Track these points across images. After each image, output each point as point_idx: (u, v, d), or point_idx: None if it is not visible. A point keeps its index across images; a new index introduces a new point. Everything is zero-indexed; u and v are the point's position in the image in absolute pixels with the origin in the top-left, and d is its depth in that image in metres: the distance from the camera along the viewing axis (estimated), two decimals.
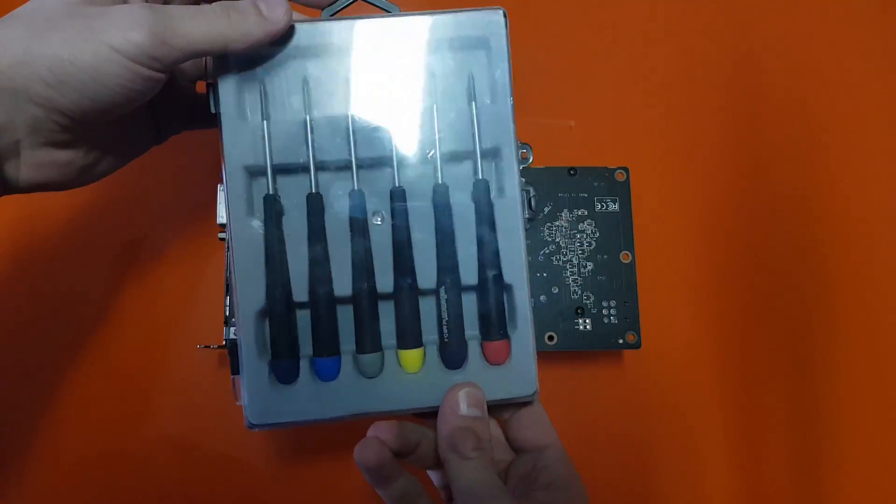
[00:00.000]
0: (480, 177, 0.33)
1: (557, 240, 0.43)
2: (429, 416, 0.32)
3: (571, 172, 0.44)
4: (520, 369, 0.33)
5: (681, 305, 0.49)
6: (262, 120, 0.32)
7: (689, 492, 0.47)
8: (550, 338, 0.42)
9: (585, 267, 0.43)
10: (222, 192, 0.42)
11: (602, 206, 0.44)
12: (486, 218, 0.33)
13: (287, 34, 0.32)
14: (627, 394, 0.48)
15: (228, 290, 0.40)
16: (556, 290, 0.42)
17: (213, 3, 0.29)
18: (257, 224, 0.32)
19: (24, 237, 0.45)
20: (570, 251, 0.43)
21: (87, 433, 0.44)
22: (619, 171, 0.44)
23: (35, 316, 0.45)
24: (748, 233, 0.51)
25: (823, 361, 0.49)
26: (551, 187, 0.44)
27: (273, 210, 0.32)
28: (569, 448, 0.47)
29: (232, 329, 0.40)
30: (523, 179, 0.34)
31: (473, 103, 0.33)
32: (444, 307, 0.33)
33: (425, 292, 0.33)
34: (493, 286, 0.33)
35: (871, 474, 0.48)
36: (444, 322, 0.33)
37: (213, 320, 0.43)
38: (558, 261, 0.43)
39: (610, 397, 0.47)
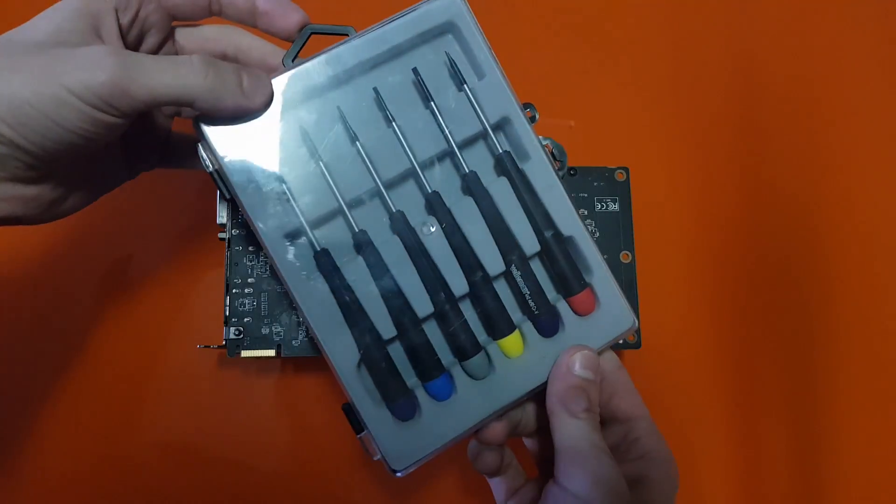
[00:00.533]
0: (500, 150, 0.33)
1: None
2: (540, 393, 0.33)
3: (571, 172, 0.44)
4: (612, 309, 0.34)
5: (681, 305, 0.49)
6: (281, 184, 0.31)
7: (689, 491, 0.47)
8: None
9: None
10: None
11: (602, 206, 0.44)
12: (522, 186, 0.33)
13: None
14: None
15: (228, 289, 0.40)
16: None
17: (194, 56, 0.28)
18: (320, 284, 0.31)
19: (23, 231, 0.45)
20: None
21: (86, 435, 0.44)
22: (619, 171, 0.44)
23: (35, 314, 0.45)
24: (748, 232, 0.51)
25: (823, 361, 0.49)
26: None
27: (329, 264, 0.31)
28: None
29: (232, 329, 0.40)
30: (540, 137, 0.34)
31: (465, 85, 0.33)
32: (521, 283, 0.33)
33: (496, 278, 0.33)
34: (556, 245, 0.33)
35: (870, 472, 0.48)
36: (527, 297, 0.33)
37: (213, 320, 0.43)
38: None
39: None
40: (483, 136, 0.34)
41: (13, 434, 0.43)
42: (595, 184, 0.44)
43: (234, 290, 0.40)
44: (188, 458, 0.44)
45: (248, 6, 0.32)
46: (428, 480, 0.45)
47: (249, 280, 0.40)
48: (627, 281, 0.43)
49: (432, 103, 0.33)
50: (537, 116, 0.35)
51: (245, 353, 0.40)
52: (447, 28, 0.34)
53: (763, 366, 0.49)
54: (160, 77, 0.26)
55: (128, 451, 0.44)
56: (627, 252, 0.43)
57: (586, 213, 0.43)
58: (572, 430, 0.30)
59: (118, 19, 0.30)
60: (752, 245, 0.51)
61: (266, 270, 0.41)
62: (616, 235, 0.43)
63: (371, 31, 0.33)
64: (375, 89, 0.32)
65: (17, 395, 0.44)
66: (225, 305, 0.40)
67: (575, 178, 0.44)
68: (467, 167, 0.33)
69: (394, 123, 0.32)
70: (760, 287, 0.50)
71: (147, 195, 0.46)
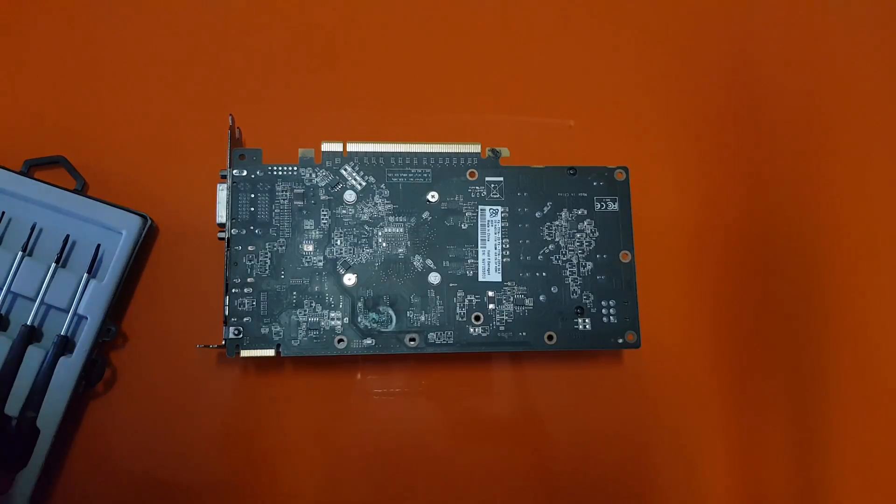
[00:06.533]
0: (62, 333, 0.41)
1: (557, 239, 0.43)
2: None
3: (571, 172, 0.44)
4: None
5: (680, 305, 0.49)
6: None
7: (689, 491, 0.47)
8: (550, 337, 0.42)
9: (585, 266, 0.43)
10: (222, 192, 0.42)
11: (602, 205, 0.44)
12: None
13: None
14: (627, 394, 0.48)
15: (228, 289, 0.40)
16: (556, 290, 0.42)
17: None
18: None
19: None
20: (569, 251, 0.43)
21: (84, 435, 0.44)
22: (618, 170, 0.44)
23: None
24: (748, 232, 0.51)
25: (823, 362, 0.49)
26: (551, 187, 0.44)
27: None
28: (568, 447, 0.47)
29: (231, 329, 0.40)
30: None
31: (88, 274, 0.42)
32: None
33: None
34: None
35: (870, 473, 0.48)
36: None
37: (212, 320, 0.43)
38: (558, 260, 0.43)
39: (610, 397, 0.47)
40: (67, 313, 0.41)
41: None
42: (594, 183, 0.44)
43: (233, 290, 0.40)
44: (187, 457, 0.44)
45: None
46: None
47: (249, 280, 0.41)
48: (627, 281, 0.43)
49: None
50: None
51: (244, 353, 0.40)
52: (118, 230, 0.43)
53: (763, 366, 0.49)
54: None
55: (127, 450, 0.44)
56: (627, 252, 0.43)
57: (586, 212, 0.43)
58: None
59: None
60: (752, 244, 0.50)
61: (266, 270, 0.41)
62: (616, 235, 0.43)
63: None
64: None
65: None
66: (224, 305, 0.40)
67: (574, 178, 0.44)
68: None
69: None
70: (760, 286, 0.50)
71: (145, 193, 0.46)
